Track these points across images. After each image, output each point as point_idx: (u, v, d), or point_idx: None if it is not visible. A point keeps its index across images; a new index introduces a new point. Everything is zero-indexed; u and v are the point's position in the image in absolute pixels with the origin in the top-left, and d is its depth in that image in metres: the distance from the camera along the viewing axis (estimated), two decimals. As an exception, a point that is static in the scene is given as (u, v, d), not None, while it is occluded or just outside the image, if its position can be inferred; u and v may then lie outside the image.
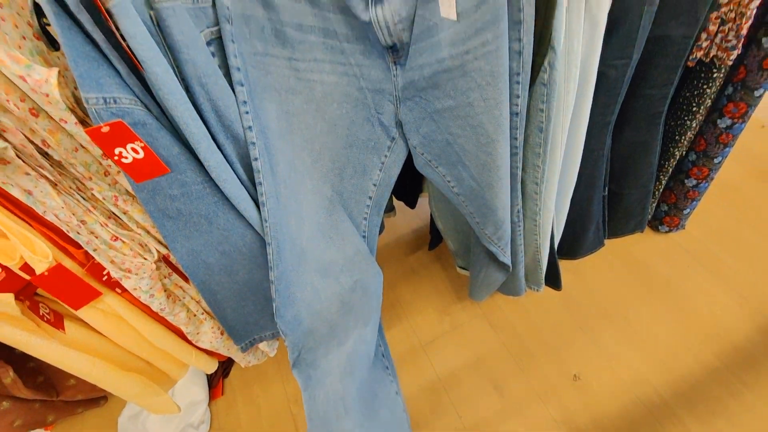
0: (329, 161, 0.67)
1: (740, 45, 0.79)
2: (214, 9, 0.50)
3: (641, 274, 1.20)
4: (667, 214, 1.22)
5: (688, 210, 1.19)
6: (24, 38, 0.46)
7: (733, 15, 0.76)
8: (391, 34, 0.57)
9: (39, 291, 0.72)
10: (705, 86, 0.91)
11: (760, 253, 1.21)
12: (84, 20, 0.39)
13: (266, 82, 0.56)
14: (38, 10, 0.41)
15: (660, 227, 1.26)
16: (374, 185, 0.73)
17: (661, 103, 0.83)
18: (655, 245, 1.25)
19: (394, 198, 1.19)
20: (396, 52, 0.60)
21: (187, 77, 0.45)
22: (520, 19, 0.53)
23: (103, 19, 0.39)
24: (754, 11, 0.75)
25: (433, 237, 1.15)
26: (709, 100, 0.95)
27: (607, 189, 0.94)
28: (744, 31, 0.77)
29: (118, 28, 0.40)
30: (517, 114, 0.62)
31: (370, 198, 0.74)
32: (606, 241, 1.20)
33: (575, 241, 1.09)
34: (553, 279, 0.99)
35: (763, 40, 0.85)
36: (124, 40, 0.40)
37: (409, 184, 1.13)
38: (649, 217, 1.22)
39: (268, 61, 0.56)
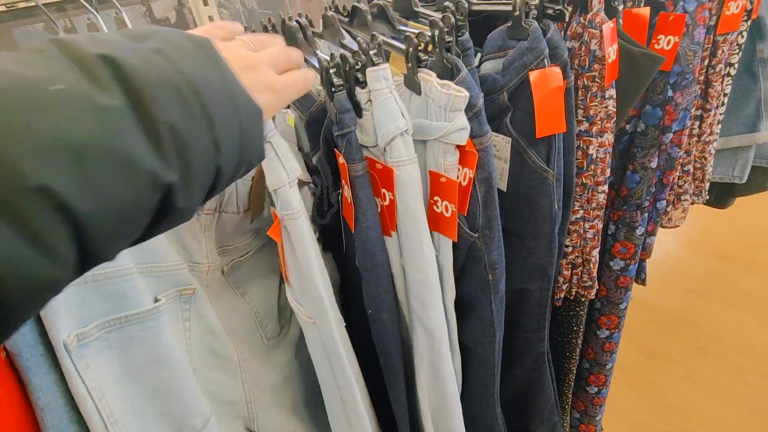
0: None
1: (595, 284, 0.79)
2: None
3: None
4: (581, 421, 1.13)
5: (599, 416, 1.11)
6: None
7: (580, 260, 0.77)
8: None
9: None
10: (578, 309, 0.90)
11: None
12: None
13: None
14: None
15: (578, 437, 1.15)
16: None
17: (539, 344, 0.79)
18: (579, 458, 1.12)
19: None
20: None
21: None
22: None
23: None
24: (597, 257, 0.77)
25: None
26: (584, 319, 0.94)
27: (512, 438, 0.84)
28: (594, 274, 0.78)
29: None
30: None
31: None
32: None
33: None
34: None
35: (611, 263, 0.89)
36: None
37: None
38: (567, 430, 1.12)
39: None
